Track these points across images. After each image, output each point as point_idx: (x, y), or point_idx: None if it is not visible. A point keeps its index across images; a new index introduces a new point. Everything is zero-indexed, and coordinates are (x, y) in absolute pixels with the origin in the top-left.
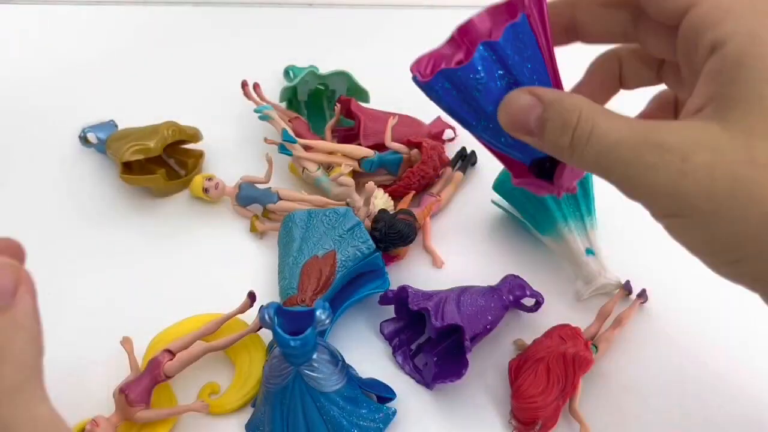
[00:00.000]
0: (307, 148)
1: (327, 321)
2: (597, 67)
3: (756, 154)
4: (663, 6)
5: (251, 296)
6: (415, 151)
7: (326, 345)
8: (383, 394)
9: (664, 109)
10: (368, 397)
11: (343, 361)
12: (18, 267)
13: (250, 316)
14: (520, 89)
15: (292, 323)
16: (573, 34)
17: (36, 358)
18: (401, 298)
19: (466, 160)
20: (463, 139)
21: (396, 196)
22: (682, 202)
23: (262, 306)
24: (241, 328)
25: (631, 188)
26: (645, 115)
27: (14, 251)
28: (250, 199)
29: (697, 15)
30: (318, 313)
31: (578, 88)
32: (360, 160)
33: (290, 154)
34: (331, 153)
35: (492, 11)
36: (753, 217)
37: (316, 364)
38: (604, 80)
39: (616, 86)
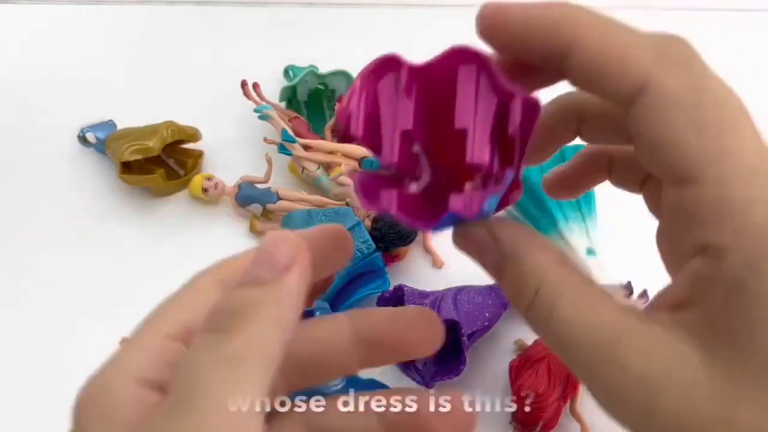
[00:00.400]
0: (307, 148)
1: None
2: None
3: (737, 424)
4: (658, 169)
5: None
6: None
7: None
8: None
9: (592, 164)
10: None
11: None
12: (301, 246)
13: None
14: (482, 223)
15: None
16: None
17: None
18: (398, 297)
19: None
20: None
21: None
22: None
23: None
24: None
25: (601, 403)
26: (567, 171)
27: (339, 241)
28: (250, 199)
29: (697, 196)
30: (317, 315)
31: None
32: (360, 160)
33: (290, 154)
34: (331, 153)
35: (453, 55)
36: None
37: None
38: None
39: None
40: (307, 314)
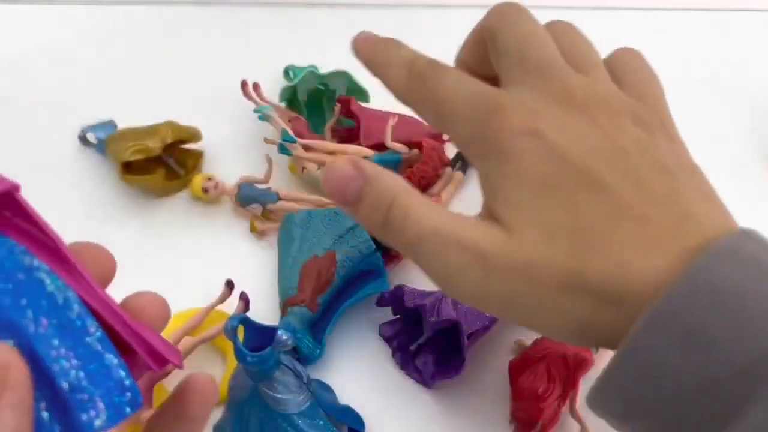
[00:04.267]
0: (307, 148)
1: (289, 343)
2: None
3: (525, 258)
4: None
5: (229, 285)
6: (414, 151)
7: (293, 366)
8: (351, 425)
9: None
10: (334, 425)
11: (309, 384)
12: (5, 365)
13: (232, 306)
14: (346, 158)
15: (259, 338)
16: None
17: None
18: (397, 297)
19: (466, 160)
20: None
21: None
22: (484, 303)
23: (230, 317)
24: (224, 318)
25: (444, 282)
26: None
27: (104, 263)
28: (250, 199)
29: (456, 142)
30: (279, 333)
31: (461, 58)
32: None
33: (290, 154)
34: (331, 153)
35: None
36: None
37: (276, 384)
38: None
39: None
40: (272, 331)
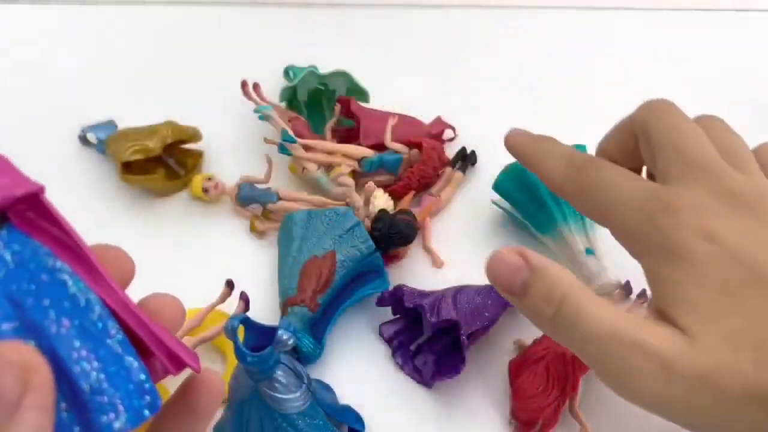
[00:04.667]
0: (307, 148)
1: (290, 343)
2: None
3: (710, 366)
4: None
5: (229, 285)
6: (414, 151)
7: (292, 366)
8: (351, 424)
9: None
10: (334, 425)
11: (309, 384)
12: (32, 367)
13: (232, 306)
14: (508, 248)
15: (259, 338)
16: None
17: None
18: (397, 297)
19: (466, 160)
20: (463, 139)
21: (396, 196)
22: (662, 410)
23: (231, 317)
24: (224, 318)
25: (613, 384)
26: (604, 149)
27: (124, 266)
28: (250, 199)
29: (615, 233)
30: (279, 333)
31: (604, 146)
32: (360, 160)
33: (290, 154)
34: (331, 153)
35: None
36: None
37: (276, 384)
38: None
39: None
40: (272, 331)
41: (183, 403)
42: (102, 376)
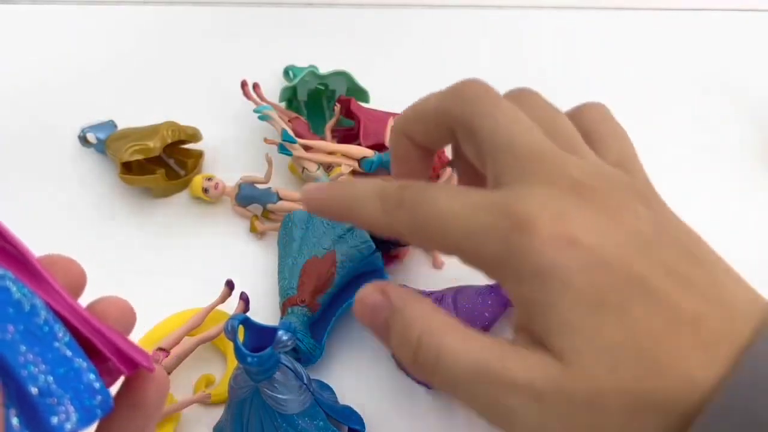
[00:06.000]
0: (306, 148)
1: (290, 343)
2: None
3: (588, 389)
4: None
5: (229, 285)
6: None
7: (292, 366)
8: (351, 425)
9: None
10: (334, 425)
11: (309, 384)
12: None
13: (232, 306)
14: (373, 283)
15: (259, 338)
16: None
17: None
18: None
19: None
20: None
21: None
22: None
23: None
24: (224, 318)
25: (490, 423)
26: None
27: (73, 274)
28: (250, 199)
29: (471, 263)
30: (279, 333)
31: (405, 130)
32: (360, 160)
33: (290, 154)
34: (331, 153)
35: None
36: None
37: (276, 384)
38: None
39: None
40: (272, 331)
41: (128, 397)
42: (50, 378)
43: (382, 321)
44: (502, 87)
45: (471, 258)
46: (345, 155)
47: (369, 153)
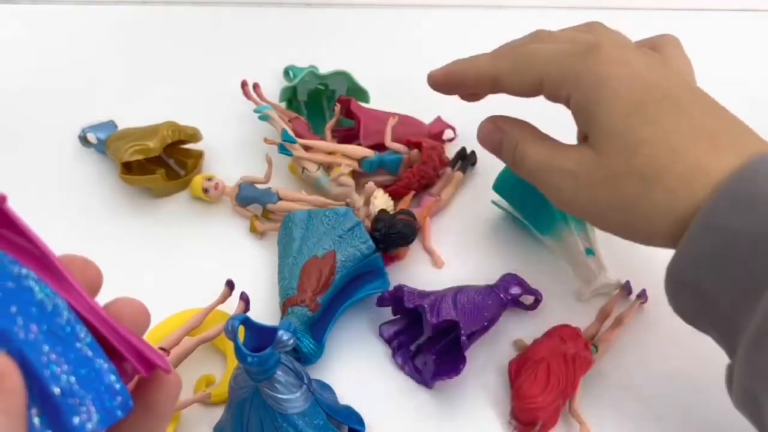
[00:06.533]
0: (306, 148)
1: (290, 343)
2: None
3: (607, 171)
4: (520, 91)
5: (229, 285)
6: (415, 151)
7: (292, 366)
8: (351, 425)
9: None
10: (335, 425)
11: (309, 384)
12: (1, 372)
13: (232, 306)
14: (490, 117)
15: (259, 338)
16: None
17: None
18: (397, 297)
19: (466, 160)
20: (463, 139)
21: (396, 197)
22: (576, 209)
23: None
24: (224, 318)
25: (550, 198)
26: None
27: (90, 275)
28: (250, 199)
29: (549, 85)
30: (280, 333)
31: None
32: (360, 160)
33: (290, 155)
34: (330, 153)
35: None
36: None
37: (276, 384)
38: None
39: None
40: (273, 331)
41: (141, 398)
42: (72, 378)
43: (496, 141)
44: None
45: (553, 77)
46: (345, 155)
47: (369, 153)
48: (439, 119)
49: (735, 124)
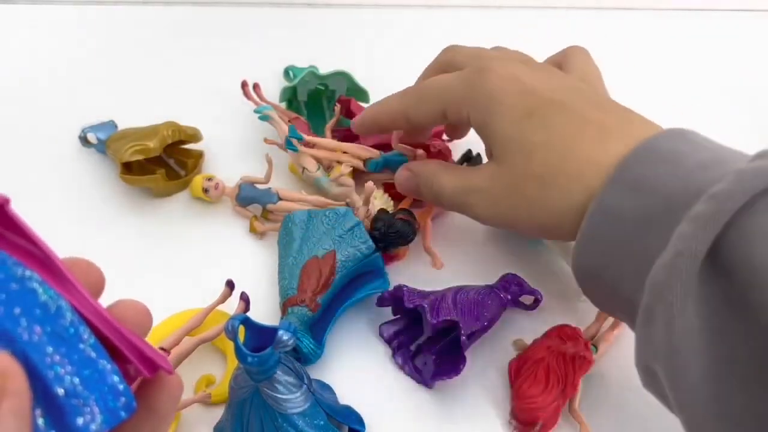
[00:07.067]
0: (311, 145)
1: (290, 343)
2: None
3: (510, 179)
4: (428, 120)
5: (229, 285)
6: (421, 152)
7: (292, 366)
8: (351, 425)
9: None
10: (334, 425)
11: (309, 384)
12: (4, 374)
13: (232, 306)
14: (403, 165)
15: (259, 338)
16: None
17: None
18: (397, 297)
19: (471, 162)
20: (464, 139)
21: (398, 197)
22: (495, 221)
23: (230, 317)
24: (224, 318)
25: (471, 216)
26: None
27: (93, 277)
28: (250, 199)
29: (451, 110)
30: (280, 333)
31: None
32: (365, 161)
33: (296, 150)
34: (331, 150)
35: None
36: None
37: (276, 384)
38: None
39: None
40: (273, 331)
41: (143, 400)
42: (76, 379)
43: (414, 185)
44: None
45: (451, 101)
46: (351, 154)
47: (375, 153)
48: None
49: (623, 114)
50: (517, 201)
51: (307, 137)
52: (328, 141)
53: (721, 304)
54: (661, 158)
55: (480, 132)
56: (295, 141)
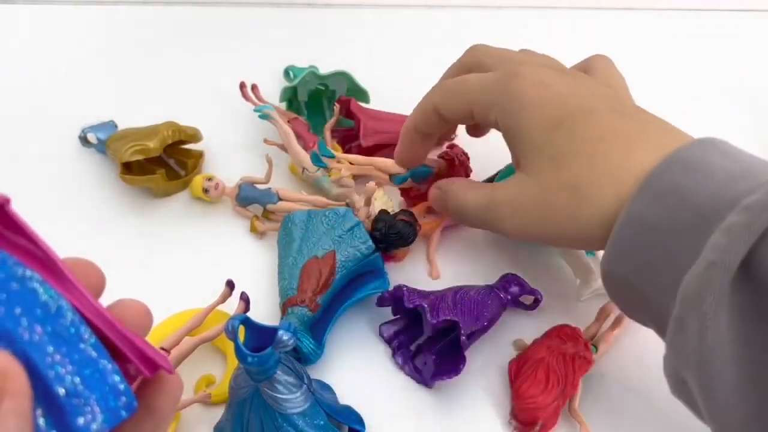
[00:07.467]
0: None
1: (290, 343)
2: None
3: (539, 189)
4: (455, 118)
5: (230, 285)
6: (443, 163)
7: (292, 366)
8: (351, 425)
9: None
10: (335, 425)
11: (309, 384)
12: (5, 374)
13: (232, 306)
14: (434, 185)
15: (259, 338)
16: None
17: None
18: (397, 297)
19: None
20: (463, 139)
21: (415, 203)
22: (523, 233)
23: (230, 317)
24: (224, 318)
25: (499, 231)
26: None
27: (93, 277)
28: (250, 199)
29: (478, 111)
30: (280, 333)
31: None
32: (391, 176)
33: (325, 166)
34: (353, 164)
35: None
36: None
37: (276, 384)
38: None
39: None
40: (273, 331)
41: (143, 399)
42: (77, 379)
43: (443, 202)
44: None
45: (480, 102)
46: (378, 169)
47: (400, 170)
48: None
49: (652, 122)
50: (546, 212)
51: (339, 154)
52: (359, 157)
53: (753, 314)
54: (691, 168)
55: (507, 137)
56: (325, 159)
